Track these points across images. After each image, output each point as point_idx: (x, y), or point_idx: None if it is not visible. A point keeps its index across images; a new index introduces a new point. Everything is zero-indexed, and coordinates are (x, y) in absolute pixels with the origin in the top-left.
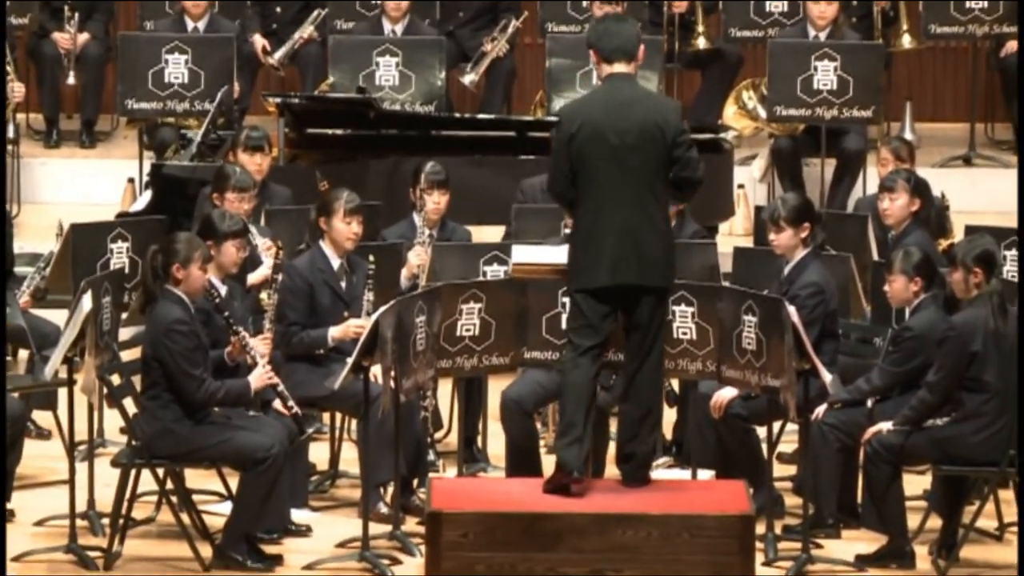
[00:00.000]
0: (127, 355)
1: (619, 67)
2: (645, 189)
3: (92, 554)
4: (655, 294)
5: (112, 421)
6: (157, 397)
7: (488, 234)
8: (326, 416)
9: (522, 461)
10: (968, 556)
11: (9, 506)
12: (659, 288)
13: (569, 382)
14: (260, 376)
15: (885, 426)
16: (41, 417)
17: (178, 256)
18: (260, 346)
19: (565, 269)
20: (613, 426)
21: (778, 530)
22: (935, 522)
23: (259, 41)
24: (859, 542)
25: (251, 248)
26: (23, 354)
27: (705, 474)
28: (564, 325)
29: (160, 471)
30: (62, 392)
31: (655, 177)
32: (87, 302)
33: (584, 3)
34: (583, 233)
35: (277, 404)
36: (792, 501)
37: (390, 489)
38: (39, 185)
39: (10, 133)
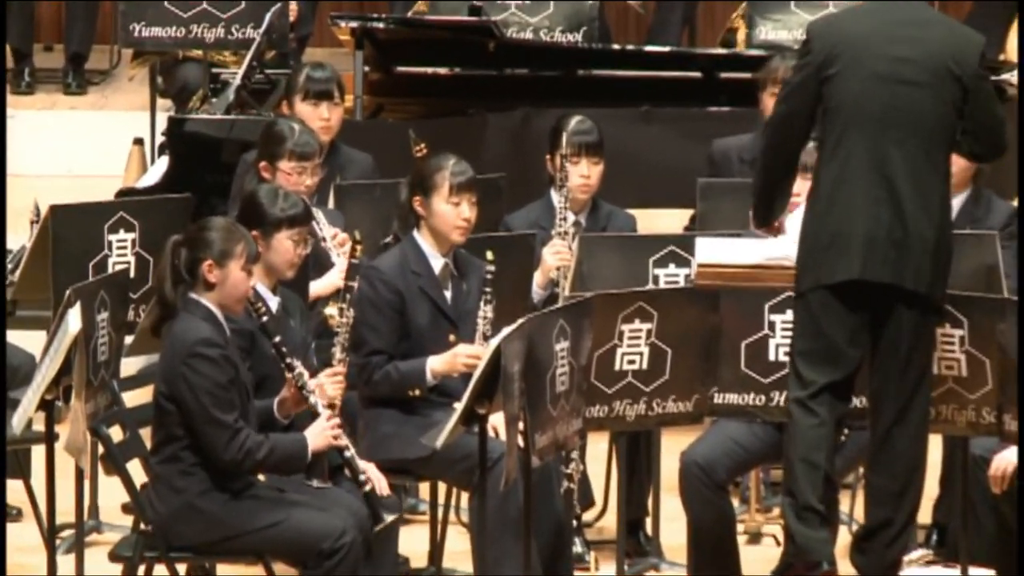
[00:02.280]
0: (133, 397)
1: None
2: (920, 150)
3: None
4: (918, 306)
5: (111, 495)
6: (175, 459)
7: (662, 221)
8: (424, 488)
9: (711, 554)
10: None
11: None
12: (923, 297)
13: (799, 440)
14: (322, 431)
15: None
16: (7, 489)
17: (211, 250)
18: (328, 385)
19: (778, 270)
20: (844, 503)
21: None
22: None
23: None
24: None
25: (315, 242)
26: None
27: (980, 573)
28: (790, 347)
29: (181, 568)
30: (37, 452)
31: (937, 135)
32: (74, 320)
33: None
34: (821, 205)
35: None
36: None
37: None
38: (5, 148)
39: None
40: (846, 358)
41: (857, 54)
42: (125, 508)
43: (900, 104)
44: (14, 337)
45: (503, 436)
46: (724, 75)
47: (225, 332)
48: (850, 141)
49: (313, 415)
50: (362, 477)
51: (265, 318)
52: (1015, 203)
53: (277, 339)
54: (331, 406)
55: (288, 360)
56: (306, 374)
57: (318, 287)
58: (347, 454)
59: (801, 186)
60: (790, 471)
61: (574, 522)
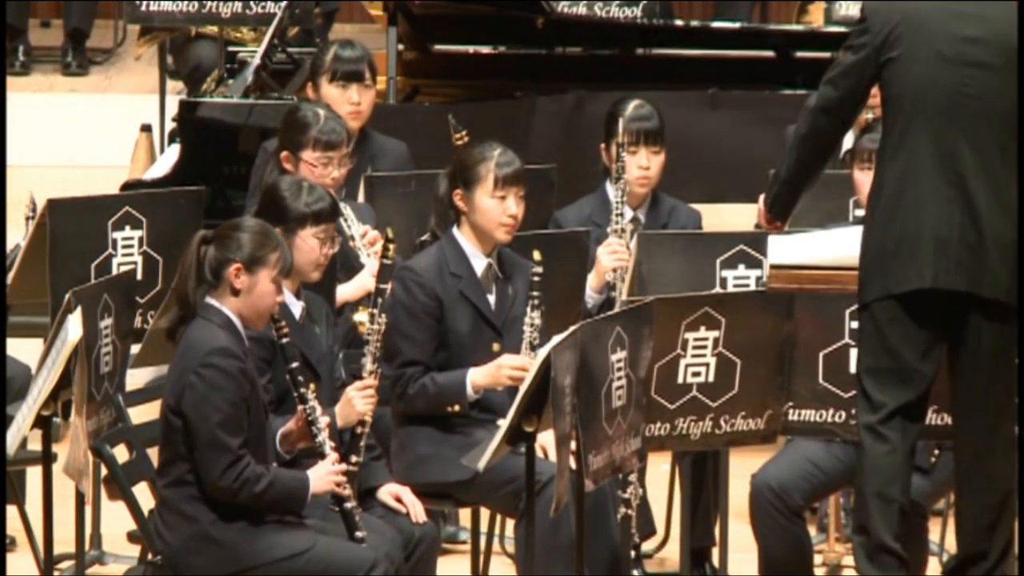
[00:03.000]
0: (140, 413)
1: None
2: (992, 142)
3: None
4: (998, 316)
5: (116, 522)
6: (184, 482)
7: (730, 217)
8: (465, 515)
9: None
10: None
11: None
12: (1003, 305)
13: (871, 471)
14: (326, 475)
15: None
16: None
17: (241, 252)
18: (358, 400)
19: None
20: (935, 531)
21: None
22: None
23: None
24: None
25: (343, 241)
26: None
27: None
28: (854, 367)
29: None
30: (33, 475)
31: (1010, 124)
32: (74, 327)
33: None
34: (885, 206)
35: (385, 493)
36: None
37: None
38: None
39: None
40: (918, 376)
41: (920, 34)
42: (131, 537)
43: (969, 90)
44: (7, 346)
45: (553, 457)
46: (799, 54)
47: (244, 343)
48: (915, 134)
49: (319, 455)
50: (359, 535)
51: (286, 340)
52: None
53: (295, 365)
54: (361, 423)
55: (302, 390)
56: (319, 409)
57: (346, 291)
58: (347, 505)
59: (861, 177)
60: (862, 506)
61: (632, 553)
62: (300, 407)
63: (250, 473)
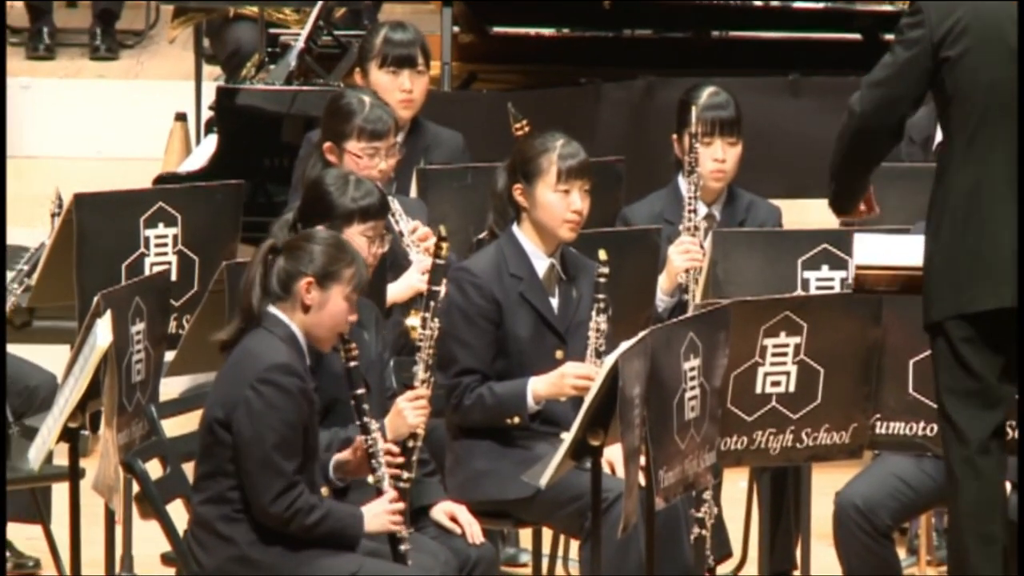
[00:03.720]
0: (174, 425)
1: None
2: None
3: None
4: None
5: (148, 542)
6: (223, 499)
7: (813, 213)
8: (526, 536)
9: None
10: None
11: None
12: None
13: (967, 509)
14: (382, 513)
15: None
16: (24, 535)
17: (314, 266)
18: (409, 412)
19: None
20: None
21: None
22: None
23: None
24: None
25: (393, 239)
26: None
27: None
28: (936, 388)
29: None
30: (59, 491)
31: None
32: (103, 333)
33: None
34: (955, 219)
35: (439, 512)
36: None
37: None
38: (19, 125)
39: None
40: (1003, 396)
41: (991, 29)
42: (164, 559)
43: None
44: (32, 353)
45: (620, 473)
46: (888, 37)
47: (305, 361)
48: (986, 139)
49: (376, 491)
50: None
51: (354, 363)
52: None
53: (360, 392)
54: (413, 436)
55: (365, 419)
56: (380, 440)
57: (394, 291)
58: (401, 548)
59: None
60: (959, 548)
61: (706, 574)
62: (361, 437)
63: (303, 503)
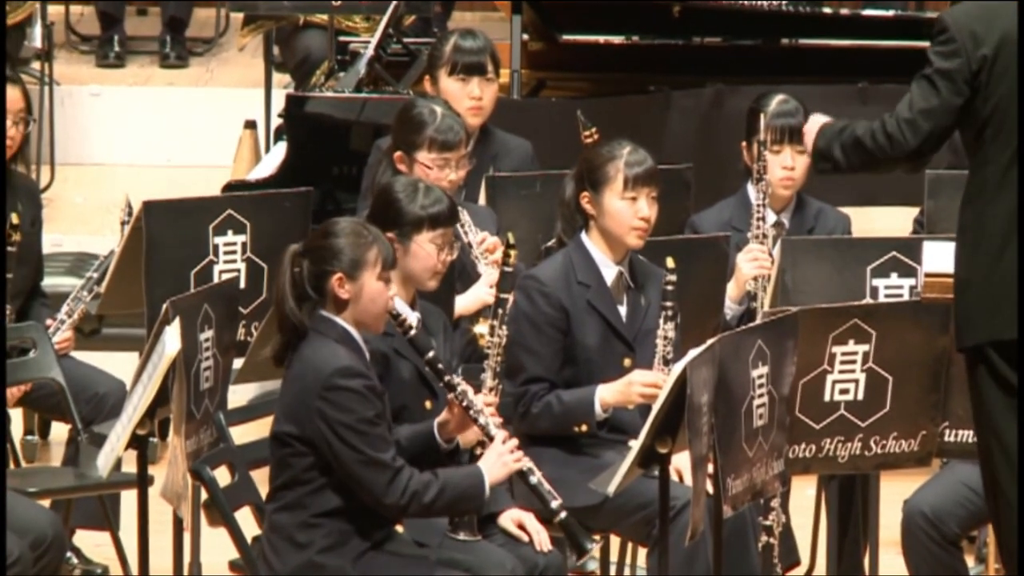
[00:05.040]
0: (243, 433)
1: None
2: None
3: None
4: None
5: (216, 550)
6: (299, 506)
7: (882, 221)
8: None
9: None
10: None
11: None
12: None
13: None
14: (499, 458)
15: None
16: (92, 543)
17: (339, 260)
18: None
19: None
20: None
21: None
22: None
23: None
24: None
25: (461, 248)
26: (59, 430)
27: None
28: (976, 409)
29: None
30: (127, 499)
31: None
32: (172, 340)
33: None
34: (992, 244)
35: (507, 519)
36: None
37: None
38: (88, 133)
39: (35, 41)
40: None
41: (1017, 50)
42: (233, 566)
43: None
44: (100, 360)
45: (688, 480)
46: None
47: (365, 356)
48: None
49: (484, 441)
50: (555, 504)
51: (413, 330)
52: None
53: (431, 354)
54: (481, 444)
55: (447, 377)
56: (470, 391)
57: (461, 304)
58: (532, 480)
59: None
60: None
61: None
62: (450, 395)
63: (416, 484)
